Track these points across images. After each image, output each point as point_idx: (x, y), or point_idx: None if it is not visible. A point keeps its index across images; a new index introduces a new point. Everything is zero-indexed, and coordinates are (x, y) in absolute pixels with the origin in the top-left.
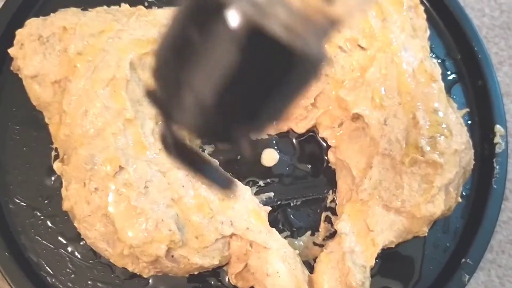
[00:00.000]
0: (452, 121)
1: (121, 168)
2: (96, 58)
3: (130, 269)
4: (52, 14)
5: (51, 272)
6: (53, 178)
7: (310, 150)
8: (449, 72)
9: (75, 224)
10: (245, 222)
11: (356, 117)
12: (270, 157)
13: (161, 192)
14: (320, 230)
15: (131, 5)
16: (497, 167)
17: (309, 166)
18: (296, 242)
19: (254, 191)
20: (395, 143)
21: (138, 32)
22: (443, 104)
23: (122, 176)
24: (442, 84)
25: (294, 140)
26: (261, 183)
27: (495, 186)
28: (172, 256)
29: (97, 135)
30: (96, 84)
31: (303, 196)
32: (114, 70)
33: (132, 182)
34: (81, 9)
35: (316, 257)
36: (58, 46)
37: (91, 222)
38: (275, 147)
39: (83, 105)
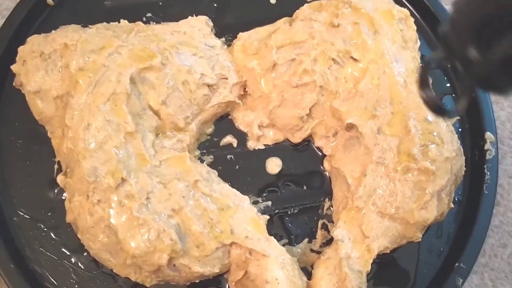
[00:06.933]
0: (443, 129)
1: (123, 180)
2: (97, 74)
3: (133, 278)
4: (53, 31)
5: (55, 283)
6: (55, 191)
7: (306, 159)
8: (440, 81)
9: (78, 236)
10: (244, 231)
11: (350, 126)
12: (274, 164)
13: (162, 203)
14: (317, 237)
15: (129, 21)
16: (488, 173)
17: (306, 175)
18: (294, 249)
19: (253, 200)
20: (388, 152)
21: (137, 47)
22: None
23: (124, 188)
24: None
25: (290, 150)
26: (259, 195)
27: (486, 192)
28: (174, 265)
29: (99, 148)
30: (98, 99)
31: (300, 204)
32: (114, 85)
33: (134, 194)
34: (82, 26)
35: (314, 264)
36: (59, 62)
37: (94, 233)
38: (277, 155)
39: (85, 119)
